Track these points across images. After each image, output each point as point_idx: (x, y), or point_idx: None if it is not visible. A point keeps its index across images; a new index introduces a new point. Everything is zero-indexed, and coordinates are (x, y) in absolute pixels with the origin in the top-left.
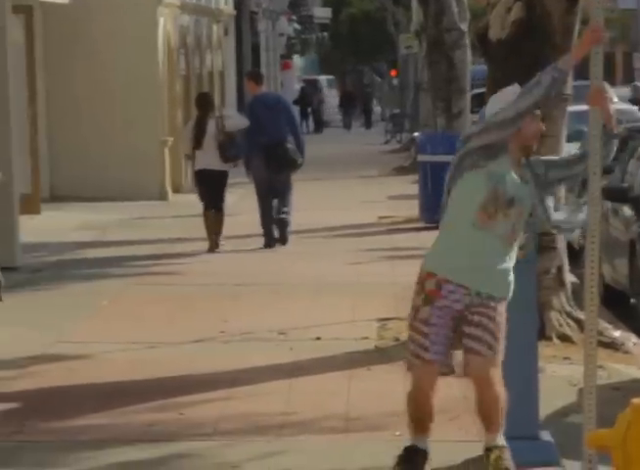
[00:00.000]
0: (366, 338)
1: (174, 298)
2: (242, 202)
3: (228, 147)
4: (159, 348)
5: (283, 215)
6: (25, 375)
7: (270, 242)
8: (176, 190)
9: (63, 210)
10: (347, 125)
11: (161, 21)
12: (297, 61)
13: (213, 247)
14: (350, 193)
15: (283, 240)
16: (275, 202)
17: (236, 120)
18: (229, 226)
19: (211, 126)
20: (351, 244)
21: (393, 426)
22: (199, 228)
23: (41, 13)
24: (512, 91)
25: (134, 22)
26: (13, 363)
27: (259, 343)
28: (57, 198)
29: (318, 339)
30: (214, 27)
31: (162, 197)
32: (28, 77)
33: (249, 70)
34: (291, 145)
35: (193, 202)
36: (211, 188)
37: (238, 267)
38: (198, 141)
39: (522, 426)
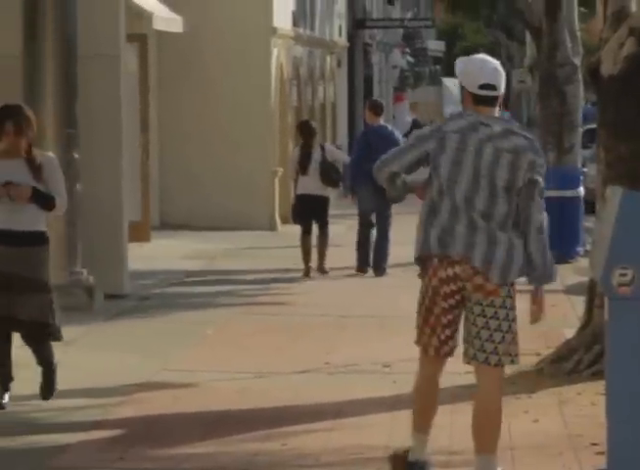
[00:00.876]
0: (469, 372)
1: (280, 328)
2: (348, 234)
3: (330, 173)
4: (264, 377)
5: (380, 245)
6: (131, 402)
7: (362, 266)
8: (285, 221)
9: (172, 238)
10: None
11: (275, 51)
12: (410, 94)
13: (308, 273)
14: None
15: (377, 271)
16: (374, 231)
17: (335, 154)
18: (333, 257)
19: (317, 153)
20: None
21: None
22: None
23: (155, 41)
24: None
25: (247, 52)
26: (118, 390)
27: (363, 375)
28: (167, 226)
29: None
30: (328, 59)
31: (272, 227)
32: (141, 105)
33: (371, 98)
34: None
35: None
36: (313, 213)
37: (343, 299)
38: (303, 167)
39: None
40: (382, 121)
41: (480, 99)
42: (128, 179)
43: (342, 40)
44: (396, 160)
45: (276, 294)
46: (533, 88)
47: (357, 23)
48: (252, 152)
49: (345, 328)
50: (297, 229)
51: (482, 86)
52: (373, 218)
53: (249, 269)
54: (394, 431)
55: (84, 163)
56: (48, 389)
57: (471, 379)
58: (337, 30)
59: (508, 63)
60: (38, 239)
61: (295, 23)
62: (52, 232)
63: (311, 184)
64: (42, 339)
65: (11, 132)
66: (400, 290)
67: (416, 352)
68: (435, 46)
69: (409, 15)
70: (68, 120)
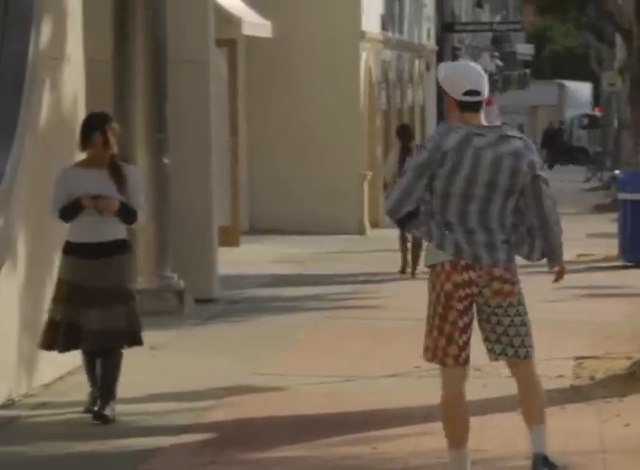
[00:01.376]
0: (561, 376)
1: (369, 332)
2: None
3: None
4: (353, 381)
5: None
6: (221, 406)
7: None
8: (374, 225)
9: (261, 242)
10: (550, 163)
11: (364, 55)
12: (499, 97)
13: (404, 271)
14: None
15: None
16: None
17: None
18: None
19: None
20: (548, 281)
21: (584, 466)
22: (395, 263)
23: (244, 46)
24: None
25: (336, 56)
26: (208, 394)
27: None
28: (256, 230)
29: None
30: (416, 62)
31: (361, 231)
32: (230, 110)
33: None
34: None
35: (390, 237)
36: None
37: None
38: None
39: None
40: None
41: (465, 105)
42: (218, 184)
43: (431, 44)
44: (409, 197)
45: (365, 298)
46: (624, 91)
47: (446, 26)
48: (341, 156)
49: None
50: (386, 233)
51: (468, 92)
52: None
53: (338, 273)
54: (484, 435)
55: (174, 167)
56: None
57: (564, 383)
58: (425, 34)
59: (598, 65)
60: (121, 247)
61: (383, 27)
62: (142, 237)
63: None
64: (130, 345)
65: (98, 143)
66: None
67: None
68: (524, 49)
69: (498, 18)
70: (157, 125)
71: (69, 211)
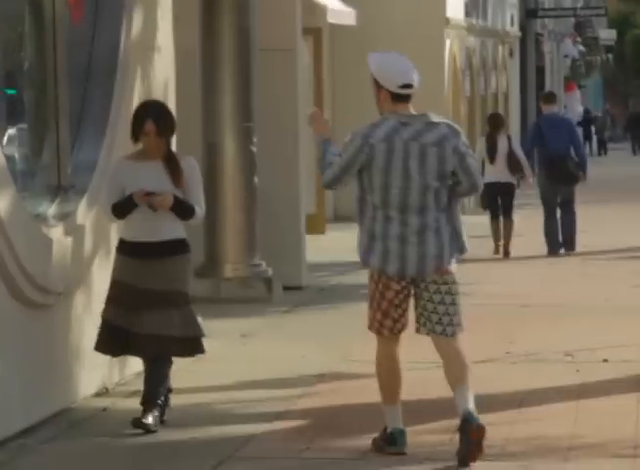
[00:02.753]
0: None
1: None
2: (525, 222)
3: (515, 161)
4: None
5: (568, 223)
6: (313, 393)
7: (554, 249)
8: (464, 211)
9: (346, 230)
10: (634, 149)
11: (448, 42)
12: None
13: (498, 251)
14: (636, 216)
15: (570, 245)
16: (559, 213)
17: (519, 149)
18: (514, 246)
19: (502, 143)
20: (638, 266)
21: None
22: (484, 249)
23: (329, 34)
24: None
25: (421, 43)
26: (300, 381)
27: (546, 364)
28: (340, 218)
29: (605, 361)
30: (500, 49)
31: None
32: (316, 98)
33: (543, 92)
34: (572, 161)
35: (476, 224)
36: (500, 199)
37: (524, 288)
38: (491, 157)
39: None
40: (555, 109)
41: (399, 97)
42: (304, 172)
43: (515, 30)
44: (345, 174)
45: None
46: None
47: (529, 12)
48: None
49: (526, 317)
50: (475, 220)
51: (403, 86)
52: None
53: None
54: (580, 420)
55: (261, 156)
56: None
57: None
58: (509, 20)
59: None
60: (178, 248)
61: (467, 14)
62: (231, 225)
63: (498, 172)
64: (190, 354)
65: (151, 132)
66: (581, 278)
67: (599, 340)
68: (607, 35)
69: (580, 3)
70: (245, 114)
71: (122, 207)
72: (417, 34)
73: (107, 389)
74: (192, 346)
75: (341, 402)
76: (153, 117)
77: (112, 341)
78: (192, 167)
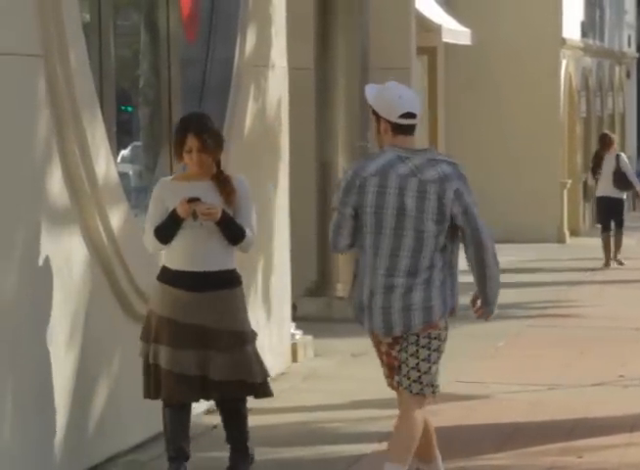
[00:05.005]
0: None
1: (571, 340)
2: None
3: (621, 180)
4: (556, 390)
5: None
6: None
7: None
8: (574, 233)
9: (460, 251)
10: None
11: (564, 63)
12: None
13: (608, 264)
14: None
15: None
16: None
17: (627, 167)
18: (625, 272)
19: (609, 161)
20: None
21: None
22: (596, 272)
23: (444, 54)
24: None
25: (537, 64)
26: None
27: None
28: None
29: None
30: (617, 70)
31: (560, 239)
32: (430, 118)
33: None
34: None
35: (591, 245)
36: (609, 212)
37: (636, 311)
38: (594, 173)
39: None
40: None
41: (399, 127)
42: None
43: (632, 51)
44: (342, 234)
45: (566, 306)
46: None
47: None
48: (541, 163)
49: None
50: (586, 241)
51: (404, 115)
52: None
53: (538, 281)
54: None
55: None
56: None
57: None
58: (626, 41)
59: None
60: (230, 280)
61: (584, 34)
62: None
63: (606, 188)
64: (266, 395)
65: (194, 148)
66: None
67: None
68: None
69: None
70: (359, 133)
71: (166, 227)
72: (533, 54)
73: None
74: (263, 389)
75: (450, 423)
76: (194, 131)
77: (153, 384)
78: (244, 187)
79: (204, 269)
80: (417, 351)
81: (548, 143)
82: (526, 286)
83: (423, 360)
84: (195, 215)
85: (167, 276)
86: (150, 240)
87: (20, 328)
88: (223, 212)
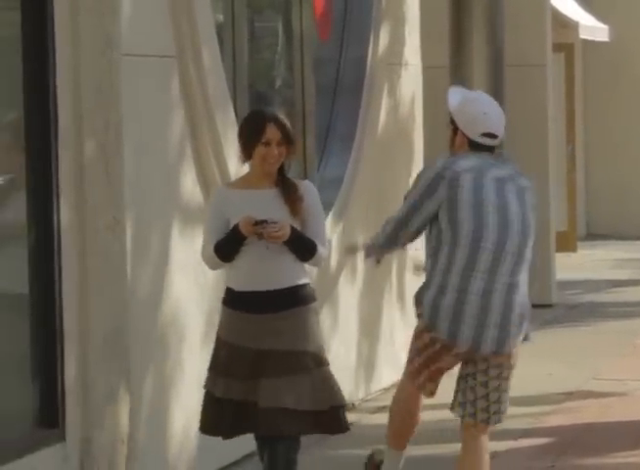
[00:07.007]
0: None
1: None
2: None
3: None
4: None
5: None
6: (560, 411)
7: None
8: None
9: (598, 247)
10: None
11: None
12: None
13: None
14: None
15: None
16: None
17: None
18: None
19: None
20: None
21: None
22: None
23: (581, 50)
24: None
25: None
26: (548, 399)
27: None
28: (593, 236)
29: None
30: None
31: None
32: (567, 116)
33: None
34: None
35: None
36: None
37: None
38: None
39: None
40: None
41: (478, 147)
42: (554, 189)
43: None
44: (414, 218)
45: None
46: None
47: None
48: None
49: None
50: None
51: (486, 134)
52: None
53: None
54: None
55: None
56: None
57: None
58: None
59: None
60: (301, 296)
61: None
62: None
63: None
64: (327, 431)
65: (274, 140)
66: None
67: None
68: None
69: None
70: None
71: (227, 244)
72: None
73: (353, 404)
74: (328, 421)
75: (587, 421)
76: (275, 121)
77: (221, 419)
78: (312, 194)
79: (271, 288)
80: (499, 384)
81: None
82: None
83: (504, 391)
84: (260, 236)
85: (232, 299)
86: (209, 256)
87: (158, 325)
88: (292, 230)
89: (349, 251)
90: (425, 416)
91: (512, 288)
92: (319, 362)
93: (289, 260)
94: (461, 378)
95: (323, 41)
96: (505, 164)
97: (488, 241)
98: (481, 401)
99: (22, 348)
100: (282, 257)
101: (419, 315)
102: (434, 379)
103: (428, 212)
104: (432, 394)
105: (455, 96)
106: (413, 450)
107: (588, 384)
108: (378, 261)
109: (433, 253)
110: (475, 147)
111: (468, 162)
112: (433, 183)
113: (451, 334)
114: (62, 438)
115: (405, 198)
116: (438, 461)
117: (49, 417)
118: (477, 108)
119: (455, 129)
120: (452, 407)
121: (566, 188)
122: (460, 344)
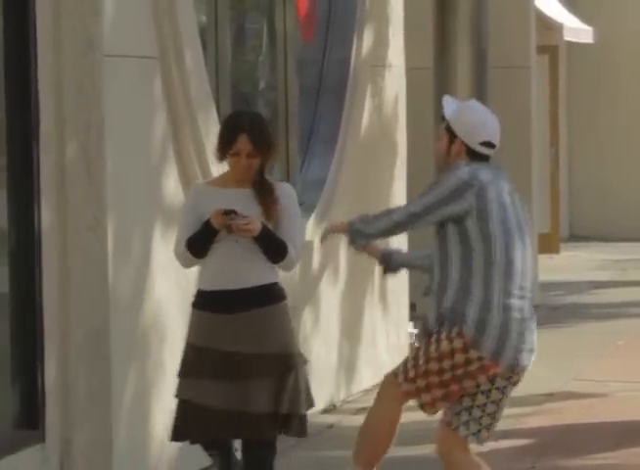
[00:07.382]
0: None
1: None
2: None
3: None
4: None
5: None
6: (541, 412)
7: None
8: None
9: (581, 249)
10: None
11: None
12: None
13: None
14: None
15: None
16: None
17: None
18: None
19: None
20: None
21: None
22: None
23: (565, 53)
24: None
25: None
26: (529, 400)
27: None
28: (576, 237)
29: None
30: None
31: None
32: (551, 117)
33: None
34: None
35: None
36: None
37: None
38: None
39: None
40: None
41: (476, 156)
42: (537, 191)
43: None
44: (425, 219)
45: None
46: None
47: None
48: None
49: None
50: None
51: (485, 143)
52: None
53: None
54: None
55: None
56: None
57: None
58: None
59: None
60: (271, 295)
61: None
62: None
63: None
64: (293, 434)
65: (244, 151)
66: None
67: None
68: None
69: None
70: None
71: (199, 239)
72: None
73: (334, 405)
74: (286, 423)
75: (568, 422)
76: (248, 132)
77: (190, 424)
78: (288, 197)
79: (239, 287)
80: (501, 399)
81: None
82: None
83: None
84: (230, 229)
85: (201, 299)
86: (181, 252)
87: (139, 326)
88: (263, 227)
89: (325, 236)
90: (411, 417)
91: (532, 302)
92: (289, 365)
93: (258, 259)
94: (467, 396)
95: (307, 42)
96: (503, 175)
97: (517, 258)
98: (487, 419)
99: (2, 348)
100: (251, 255)
101: (456, 333)
102: (449, 399)
103: (445, 215)
104: (436, 412)
105: (450, 104)
106: (399, 452)
107: (569, 385)
108: (363, 248)
109: (461, 261)
110: (473, 156)
111: (486, 174)
112: (459, 189)
113: (496, 353)
114: (41, 439)
115: (409, 202)
116: (423, 462)
117: (29, 418)
118: (476, 117)
119: (452, 137)
120: (456, 427)
121: (549, 190)
122: (502, 363)
